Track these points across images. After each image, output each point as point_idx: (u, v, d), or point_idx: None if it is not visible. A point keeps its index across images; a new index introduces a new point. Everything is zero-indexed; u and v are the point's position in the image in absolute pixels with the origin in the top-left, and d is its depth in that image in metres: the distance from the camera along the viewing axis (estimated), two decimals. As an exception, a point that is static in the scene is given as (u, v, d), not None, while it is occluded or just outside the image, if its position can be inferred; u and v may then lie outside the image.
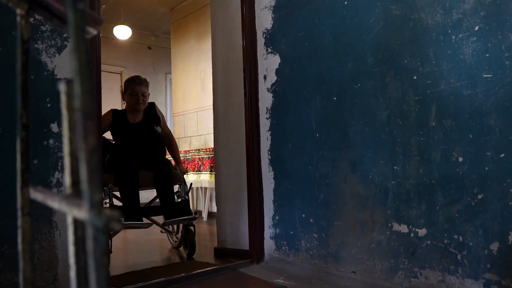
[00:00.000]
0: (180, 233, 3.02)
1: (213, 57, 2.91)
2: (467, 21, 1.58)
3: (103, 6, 5.67)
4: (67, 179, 0.43)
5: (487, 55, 1.52)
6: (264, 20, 2.51)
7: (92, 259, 0.32)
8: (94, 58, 1.96)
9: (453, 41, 1.62)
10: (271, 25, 2.47)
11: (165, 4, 5.84)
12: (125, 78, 4.09)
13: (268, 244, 2.45)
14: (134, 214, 2.58)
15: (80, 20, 0.33)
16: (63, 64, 1.84)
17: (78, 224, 0.42)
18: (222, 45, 2.84)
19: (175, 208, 2.72)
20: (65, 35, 1.86)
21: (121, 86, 3.00)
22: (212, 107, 2.95)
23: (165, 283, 2.07)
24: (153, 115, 3.05)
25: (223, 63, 2.81)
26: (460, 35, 1.59)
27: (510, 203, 1.44)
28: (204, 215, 4.75)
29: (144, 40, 7.04)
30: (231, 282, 2.14)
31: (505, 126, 1.47)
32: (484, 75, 1.52)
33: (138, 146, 2.92)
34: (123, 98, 3.01)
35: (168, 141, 3.14)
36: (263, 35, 2.51)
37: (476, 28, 1.55)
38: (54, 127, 1.81)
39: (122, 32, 6.01)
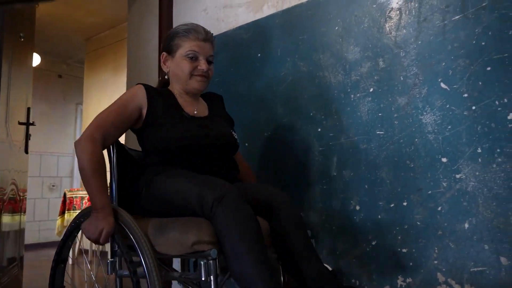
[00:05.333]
0: None
1: (127, 94, 2.85)
2: (364, 83, 1.76)
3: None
4: None
5: (380, 114, 1.70)
6: (182, 62, 2.54)
7: None
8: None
9: (351, 99, 1.79)
10: (188, 68, 2.50)
11: (80, 33, 5.63)
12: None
13: None
14: None
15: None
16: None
17: None
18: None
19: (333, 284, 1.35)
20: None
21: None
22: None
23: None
24: (224, 111, 1.84)
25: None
26: (358, 95, 1.77)
27: (398, 249, 1.59)
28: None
29: (55, 67, 6.67)
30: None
31: (394, 179, 1.63)
32: (377, 132, 1.70)
33: (212, 164, 1.52)
34: (164, 65, 1.69)
35: (239, 162, 1.71)
36: (180, 77, 2.53)
37: (371, 89, 1.74)
38: None
39: (30, 58, 5.63)
